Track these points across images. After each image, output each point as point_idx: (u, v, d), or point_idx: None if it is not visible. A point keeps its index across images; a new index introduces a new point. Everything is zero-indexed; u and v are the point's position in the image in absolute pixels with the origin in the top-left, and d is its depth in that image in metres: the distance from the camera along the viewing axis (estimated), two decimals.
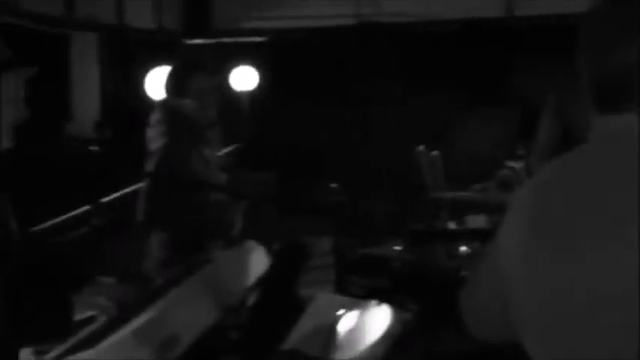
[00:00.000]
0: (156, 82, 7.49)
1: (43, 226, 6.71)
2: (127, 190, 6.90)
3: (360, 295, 3.71)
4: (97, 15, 8.13)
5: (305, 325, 3.15)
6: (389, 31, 10.40)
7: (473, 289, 2.03)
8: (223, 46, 10.84)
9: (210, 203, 5.05)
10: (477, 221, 5.76)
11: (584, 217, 1.66)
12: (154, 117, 5.14)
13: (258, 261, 3.54)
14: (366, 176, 9.98)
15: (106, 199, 7.06)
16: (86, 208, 7.26)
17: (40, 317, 3.02)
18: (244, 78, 10.73)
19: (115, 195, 7.28)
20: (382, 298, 3.23)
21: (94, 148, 4.32)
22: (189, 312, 2.97)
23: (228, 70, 10.65)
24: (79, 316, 3.09)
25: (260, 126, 11.21)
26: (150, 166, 5.04)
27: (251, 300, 3.47)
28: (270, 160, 10.37)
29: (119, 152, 5.23)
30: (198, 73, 5.16)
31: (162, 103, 5.23)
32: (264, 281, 3.46)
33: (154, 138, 5.08)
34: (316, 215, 4.96)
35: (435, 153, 9.11)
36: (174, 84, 5.16)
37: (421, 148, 9.19)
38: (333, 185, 5.56)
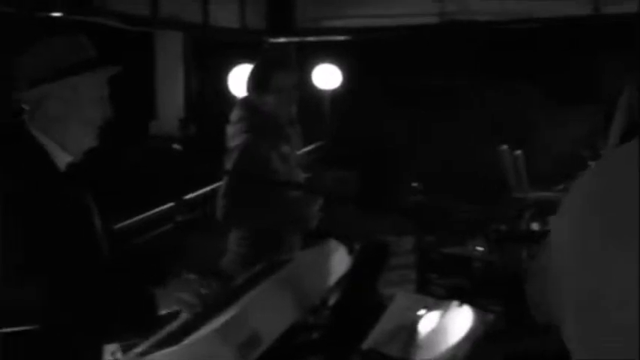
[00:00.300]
0: (239, 80, 7.55)
1: (128, 222, 6.80)
2: (210, 187, 6.97)
3: (441, 295, 3.69)
4: (181, 14, 8.21)
5: (386, 324, 3.15)
6: (473, 30, 10.32)
7: (532, 278, 2.03)
8: (306, 45, 10.85)
9: (289, 201, 5.06)
10: None
11: (614, 217, 1.64)
12: (235, 114, 5.18)
13: (340, 260, 3.53)
14: (448, 175, 9.93)
15: (189, 196, 7.13)
16: (170, 205, 7.35)
17: (125, 313, 3.06)
18: (327, 76, 10.73)
19: (198, 192, 7.36)
20: (463, 298, 3.21)
21: (177, 146, 4.35)
22: (270, 311, 2.97)
23: (310, 69, 10.66)
24: (163, 312, 3.12)
25: (342, 124, 11.20)
26: (229, 163, 5.07)
27: (332, 299, 3.47)
28: (352, 159, 10.36)
29: (203, 149, 5.27)
30: (280, 71, 5.16)
31: (244, 101, 5.26)
32: (345, 281, 3.46)
33: (234, 135, 5.12)
34: (398, 214, 4.94)
35: (517, 152, 9.02)
36: (255, 81, 5.18)
37: (504, 147, 9.10)
38: (415, 184, 5.53)
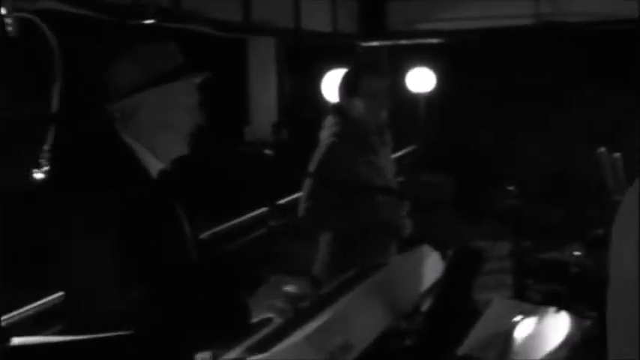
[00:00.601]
0: (332, 85, 7.55)
1: (221, 228, 6.84)
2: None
3: (538, 301, 3.63)
4: (273, 19, 8.23)
5: (481, 330, 3.10)
6: (569, 31, 10.18)
7: None
8: (399, 48, 10.82)
9: (374, 206, 5.01)
10: None
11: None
12: (328, 120, 5.18)
13: (433, 266, 3.50)
14: (545, 178, 9.81)
15: (282, 201, 7.14)
16: (263, 210, 7.37)
17: (218, 319, 3.06)
18: (421, 80, 10.69)
19: (291, 197, 7.37)
20: (561, 304, 3.16)
21: (268, 151, 4.37)
22: (363, 317, 2.95)
23: (404, 72, 10.63)
24: (256, 318, 3.11)
25: (436, 128, 11.15)
26: (312, 165, 5.07)
27: (425, 305, 3.44)
28: (447, 162, 10.30)
29: (295, 154, 5.29)
30: (370, 75, 5.14)
31: (334, 106, 5.26)
32: (439, 286, 3.42)
33: (324, 139, 5.12)
34: (493, 219, 4.88)
35: (616, 155, 8.86)
36: (346, 86, 5.17)
37: (602, 149, 8.96)
38: (511, 188, 5.46)
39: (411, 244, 4.37)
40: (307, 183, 5.07)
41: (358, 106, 5.07)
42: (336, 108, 5.21)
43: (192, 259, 3.23)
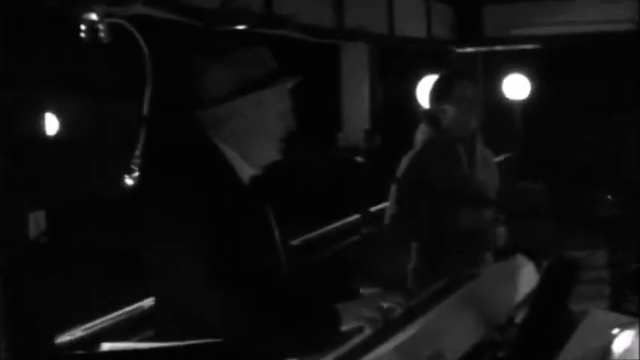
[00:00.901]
0: (426, 91, 7.52)
1: (314, 234, 6.84)
2: None
3: (636, 313, 3.54)
4: (367, 25, 8.21)
5: (577, 343, 3.02)
6: None
7: None
8: (495, 54, 10.73)
9: (461, 215, 4.94)
10: None
11: None
12: (421, 127, 5.16)
13: (527, 276, 3.42)
14: None
15: (374, 208, 7.12)
16: (356, 217, 7.35)
17: (308, 326, 3.04)
18: (517, 86, 10.59)
19: (383, 204, 7.34)
20: None
21: (359, 158, 4.37)
22: (454, 328, 2.90)
23: (500, 79, 10.55)
24: (346, 327, 3.08)
25: (533, 135, 11.03)
26: (398, 172, 5.05)
27: (519, 317, 3.37)
28: (543, 170, 10.18)
29: (388, 161, 5.27)
30: (462, 81, 5.10)
31: (425, 112, 5.23)
32: (533, 297, 3.34)
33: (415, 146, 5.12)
34: (591, 228, 4.78)
35: None
36: (437, 91, 5.14)
37: None
38: (609, 197, 5.37)
39: (505, 253, 4.30)
40: (393, 190, 5.05)
41: (449, 112, 5.02)
42: (427, 115, 5.17)
43: (282, 265, 3.22)
